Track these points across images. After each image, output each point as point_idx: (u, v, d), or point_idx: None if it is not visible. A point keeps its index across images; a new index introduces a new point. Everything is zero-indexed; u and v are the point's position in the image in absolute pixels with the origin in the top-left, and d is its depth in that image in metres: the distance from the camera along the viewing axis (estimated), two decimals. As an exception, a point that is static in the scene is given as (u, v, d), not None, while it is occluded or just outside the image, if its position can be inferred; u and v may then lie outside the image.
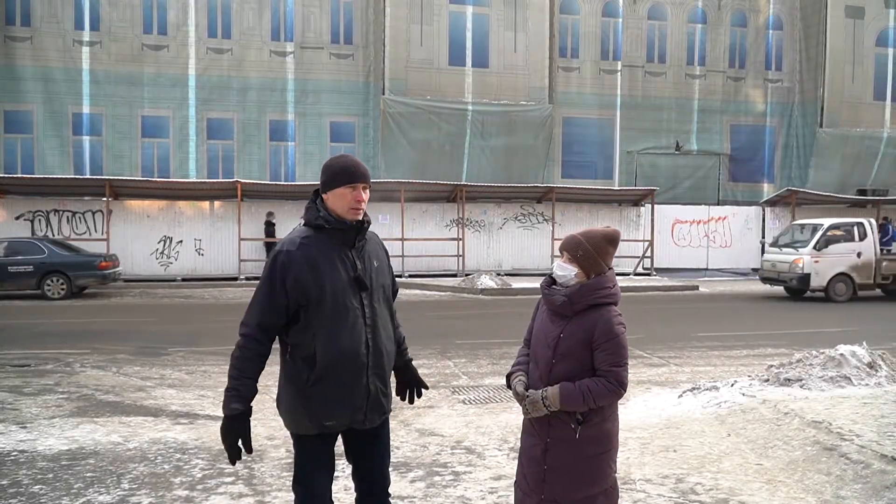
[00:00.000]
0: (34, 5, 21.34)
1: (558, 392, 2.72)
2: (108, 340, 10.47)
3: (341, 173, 2.79)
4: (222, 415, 2.71)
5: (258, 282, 2.81)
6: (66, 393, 7.19)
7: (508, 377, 3.02)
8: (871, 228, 16.98)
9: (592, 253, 2.83)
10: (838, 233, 16.87)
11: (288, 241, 2.78)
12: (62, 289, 16.25)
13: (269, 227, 20.02)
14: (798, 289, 16.95)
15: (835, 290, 16.53)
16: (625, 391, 2.75)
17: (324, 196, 2.82)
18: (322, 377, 2.71)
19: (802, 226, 17.91)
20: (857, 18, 25.06)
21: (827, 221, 17.26)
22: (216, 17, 22.36)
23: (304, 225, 2.84)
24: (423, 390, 3.27)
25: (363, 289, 2.80)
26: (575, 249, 2.85)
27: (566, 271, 2.86)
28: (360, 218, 2.82)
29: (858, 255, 16.67)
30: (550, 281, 2.95)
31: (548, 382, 2.79)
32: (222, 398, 2.74)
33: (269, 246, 19.81)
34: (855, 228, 16.92)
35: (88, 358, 9.08)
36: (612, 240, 2.88)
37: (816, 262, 16.54)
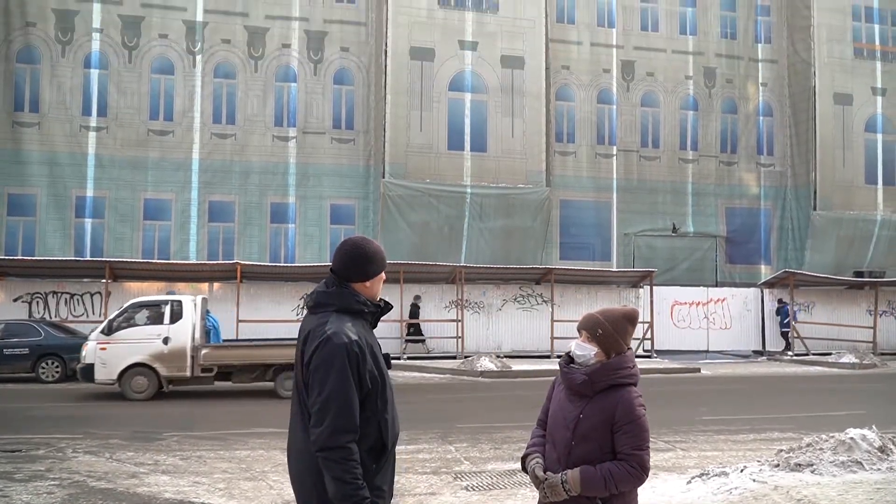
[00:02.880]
0: (43, 92, 21.93)
1: (579, 476, 2.65)
2: (101, 425, 10.27)
3: (383, 260, 2.86)
4: None
5: (332, 379, 2.58)
6: (57, 479, 7.00)
7: (524, 459, 2.93)
8: (191, 308, 13.69)
9: (612, 332, 2.80)
10: (143, 313, 13.79)
11: (342, 331, 2.63)
12: (56, 372, 16.04)
13: (415, 310, 20.87)
14: (88, 381, 13.48)
15: (131, 384, 13.13)
16: (647, 476, 2.68)
17: (366, 284, 2.79)
18: (386, 464, 2.73)
19: (141, 304, 14.16)
20: (845, 105, 25.77)
21: (133, 301, 14.27)
22: (221, 104, 22.97)
23: (337, 311, 2.72)
24: None
25: (389, 367, 2.86)
26: (594, 328, 2.81)
27: (585, 350, 2.82)
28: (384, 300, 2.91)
29: (165, 340, 13.29)
30: (568, 360, 2.90)
31: (566, 465, 2.72)
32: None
33: (410, 328, 20.94)
34: (166, 308, 13.60)
35: (81, 443, 8.88)
36: (631, 319, 2.86)
37: (104, 348, 13.11)
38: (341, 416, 2.54)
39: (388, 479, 2.76)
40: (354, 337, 2.63)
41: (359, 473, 2.54)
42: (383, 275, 2.87)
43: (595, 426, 2.70)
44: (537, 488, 2.78)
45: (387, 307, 2.87)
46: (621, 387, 2.75)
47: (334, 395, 2.56)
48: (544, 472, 2.77)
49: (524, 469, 2.90)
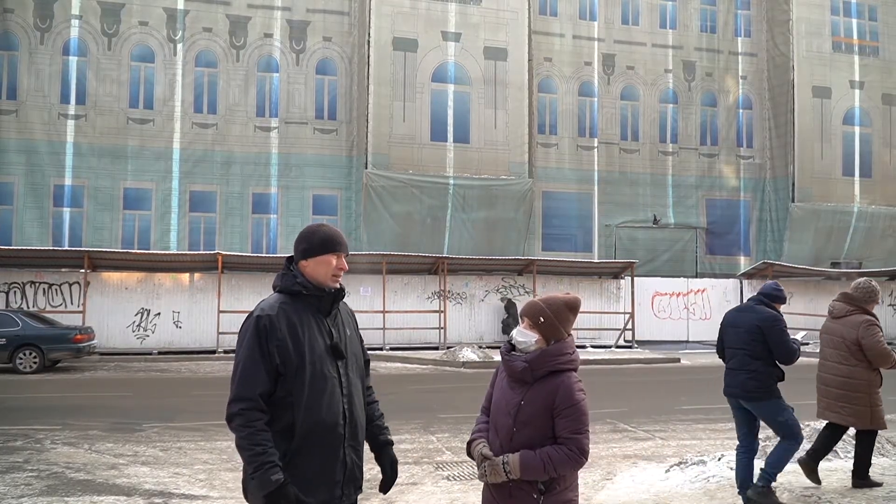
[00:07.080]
0: (21, 80, 21.61)
1: (519, 459, 2.69)
2: (80, 416, 10.18)
3: (326, 241, 2.77)
4: (263, 493, 2.49)
5: (240, 351, 2.65)
6: (35, 471, 6.94)
7: (469, 445, 2.95)
8: None
9: (553, 320, 2.83)
10: None
11: (266, 305, 2.68)
12: (34, 362, 15.85)
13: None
14: None
15: None
16: (586, 459, 2.71)
17: (303, 263, 2.75)
18: (300, 451, 2.59)
19: None
20: (824, 98, 26.04)
21: None
22: (202, 92, 22.77)
23: (278, 291, 2.77)
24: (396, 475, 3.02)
25: (339, 357, 2.72)
26: (536, 316, 2.85)
27: (527, 337, 2.85)
28: (339, 286, 2.80)
29: None
30: (510, 347, 2.92)
31: (509, 451, 2.75)
32: (249, 481, 2.54)
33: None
34: None
35: (59, 434, 8.80)
36: (573, 307, 2.89)
37: None
38: (239, 385, 2.59)
39: (314, 472, 2.61)
40: (269, 311, 2.64)
41: (261, 439, 2.52)
42: (330, 258, 2.74)
43: (536, 412, 2.74)
44: (478, 468, 2.80)
45: (338, 293, 2.78)
46: (561, 372, 2.77)
47: (238, 366, 2.63)
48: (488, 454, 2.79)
49: (469, 455, 2.92)
